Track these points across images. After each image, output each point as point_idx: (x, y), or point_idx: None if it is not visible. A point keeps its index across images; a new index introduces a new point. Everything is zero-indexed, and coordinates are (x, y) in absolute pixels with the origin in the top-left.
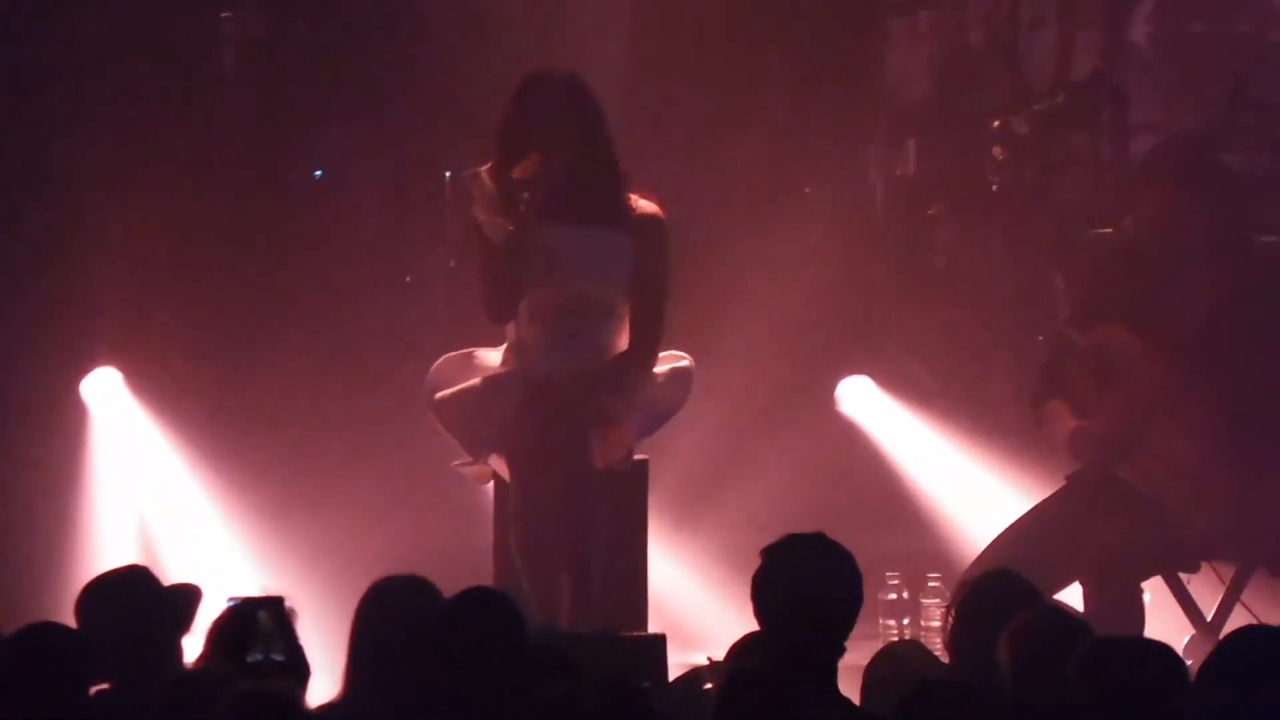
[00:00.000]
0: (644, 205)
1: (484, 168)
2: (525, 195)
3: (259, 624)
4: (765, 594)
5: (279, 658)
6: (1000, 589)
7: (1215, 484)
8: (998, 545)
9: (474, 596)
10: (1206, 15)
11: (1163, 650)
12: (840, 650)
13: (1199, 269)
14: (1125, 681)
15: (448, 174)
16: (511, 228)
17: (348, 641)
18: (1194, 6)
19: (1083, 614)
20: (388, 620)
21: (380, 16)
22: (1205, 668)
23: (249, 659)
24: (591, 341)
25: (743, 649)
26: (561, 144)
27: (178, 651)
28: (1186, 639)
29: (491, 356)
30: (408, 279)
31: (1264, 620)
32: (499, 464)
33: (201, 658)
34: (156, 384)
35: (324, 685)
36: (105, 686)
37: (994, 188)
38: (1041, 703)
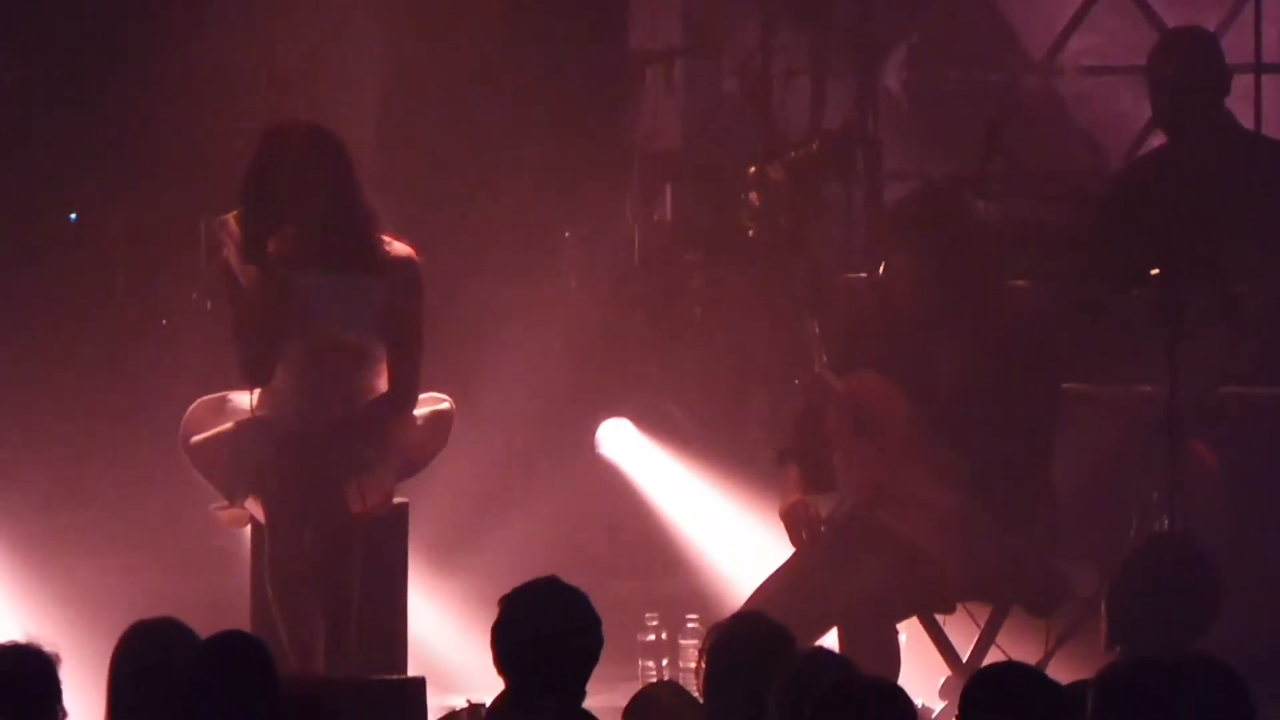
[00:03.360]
0: (397, 248)
1: (233, 215)
2: (274, 249)
3: None
4: (504, 642)
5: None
6: (748, 632)
7: (968, 527)
8: (760, 592)
9: (224, 641)
10: (959, 64)
11: (892, 691)
12: (581, 694)
13: (948, 317)
14: None
15: (202, 219)
16: (262, 276)
17: (106, 687)
18: (946, 56)
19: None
20: (144, 665)
21: (132, 65)
22: (964, 705)
23: None
24: (345, 387)
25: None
26: (308, 193)
27: None
28: (943, 680)
29: (245, 400)
30: (164, 322)
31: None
32: (255, 508)
33: None
34: None
35: None
36: None
37: (750, 234)
38: None
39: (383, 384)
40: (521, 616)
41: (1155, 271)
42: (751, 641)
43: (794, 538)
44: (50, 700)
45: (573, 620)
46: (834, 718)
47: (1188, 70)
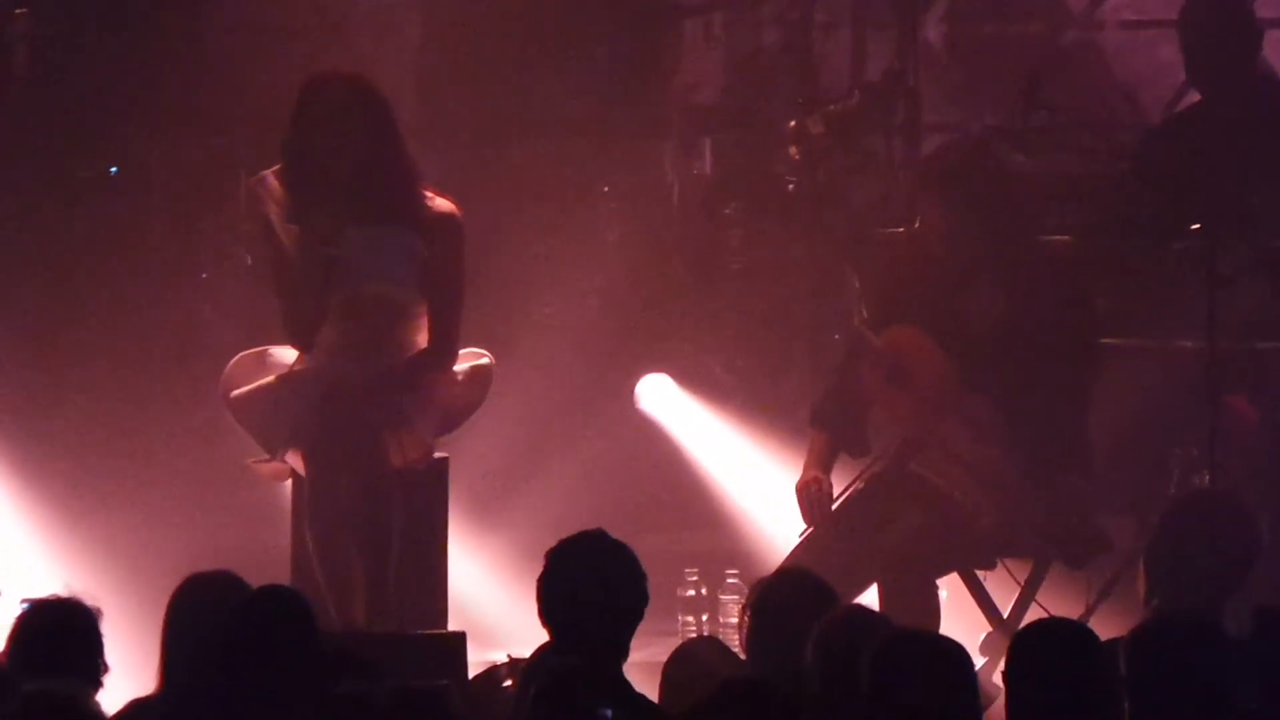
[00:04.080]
0: (439, 203)
1: (271, 171)
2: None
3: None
4: (549, 594)
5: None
6: (793, 589)
7: (1006, 482)
8: (800, 548)
9: (264, 595)
10: (999, 16)
11: (951, 646)
12: (626, 649)
13: (983, 269)
14: (914, 676)
15: (242, 174)
16: (304, 238)
17: (160, 637)
18: (986, 7)
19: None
20: (199, 617)
21: (171, 18)
22: (1011, 661)
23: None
24: (385, 341)
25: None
26: (349, 146)
27: None
28: (983, 636)
29: (286, 354)
30: (204, 275)
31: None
32: (296, 461)
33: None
34: None
35: (124, 683)
36: None
37: (790, 188)
38: (846, 702)
39: (423, 339)
40: (568, 569)
41: (1194, 226)
42: (796, 598)
43: (805, 516)
44: (93, 654)
45: (619, 574)
46: (892, 671)
47: (1215, 27)
